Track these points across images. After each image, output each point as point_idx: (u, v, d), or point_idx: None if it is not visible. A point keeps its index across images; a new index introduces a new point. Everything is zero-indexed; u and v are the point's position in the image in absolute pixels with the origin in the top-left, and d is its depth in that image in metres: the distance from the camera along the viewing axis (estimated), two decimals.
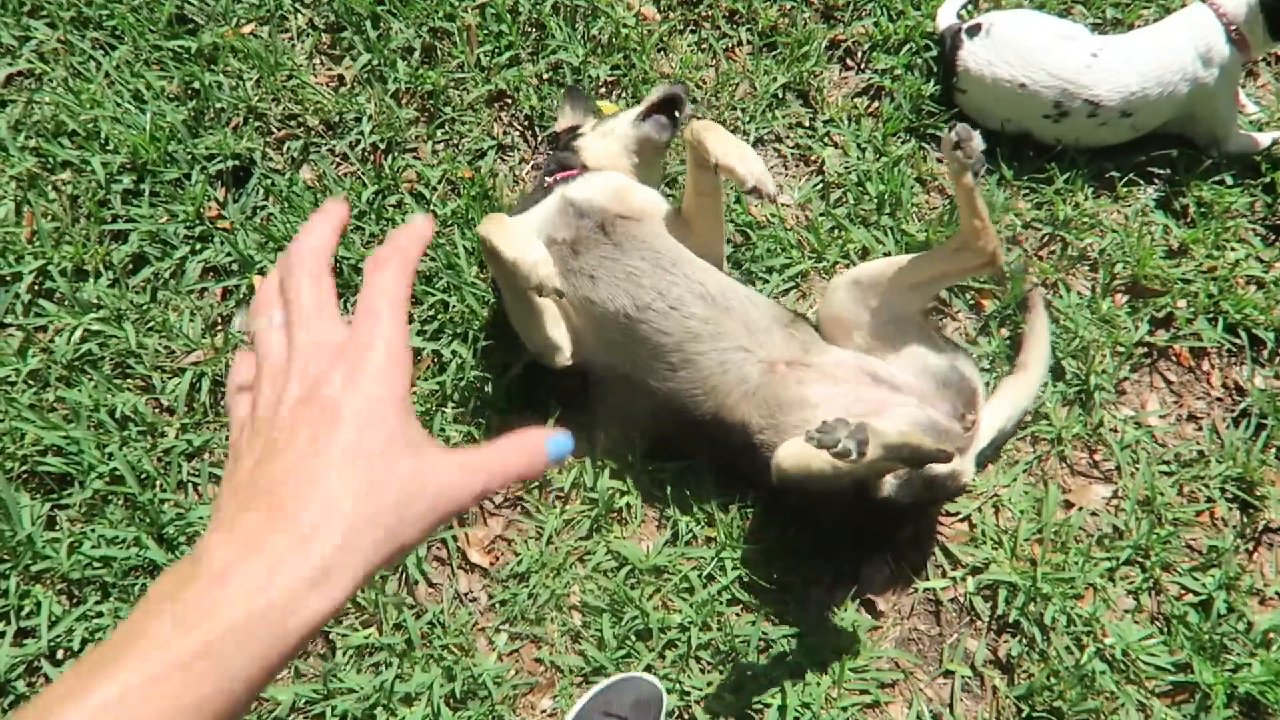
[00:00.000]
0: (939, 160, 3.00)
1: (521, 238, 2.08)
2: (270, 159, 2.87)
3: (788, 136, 3.03)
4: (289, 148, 2.89)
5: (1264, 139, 2.97)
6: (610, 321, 2.25)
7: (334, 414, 0.73)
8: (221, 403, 2.56)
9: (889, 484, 2.10)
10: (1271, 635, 2.32)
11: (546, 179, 2.51)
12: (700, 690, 2.26)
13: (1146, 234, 2.84)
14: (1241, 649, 2.31)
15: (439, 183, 2.84)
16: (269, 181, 2.80)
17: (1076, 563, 2.39)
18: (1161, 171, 2.95)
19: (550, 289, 2.05)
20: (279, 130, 2.92)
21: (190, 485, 2.43)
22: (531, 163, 2.98)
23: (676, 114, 2.52)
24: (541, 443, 0.80)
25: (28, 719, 0.60)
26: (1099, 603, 2.36)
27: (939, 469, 2.11)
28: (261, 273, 2.65)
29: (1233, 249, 2.83)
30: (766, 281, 2.76)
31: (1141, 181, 2.95)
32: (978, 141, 2.01)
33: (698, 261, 2.33)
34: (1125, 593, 2.41)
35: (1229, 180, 2.91)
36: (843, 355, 2.29)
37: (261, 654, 0.65)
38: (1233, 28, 2.74)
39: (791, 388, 2.19)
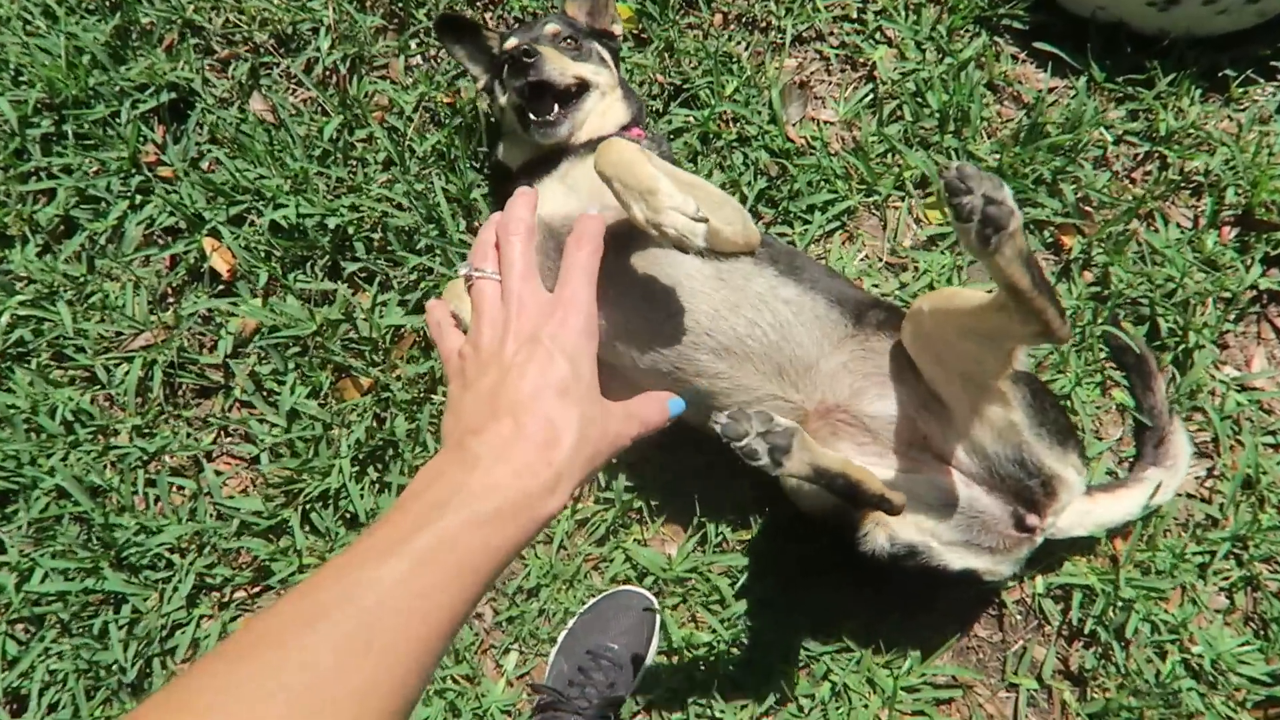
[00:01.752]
0: (1015, 58, 2.48)
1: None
2: (213, 86, 2.41)
3: (831, 33, 2.50)
4: (234, 71, 2.42)
5: None
6: (620, 367, 1.88)
7: (552, 354, 0.98)
8: (179, 395, 2.23)
9: (878, 537, 1.77)
10: None
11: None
12: (733, 716, 2.02)
13: (1264, 149, 2.35)
14: None
15: (415, 111, 2.38)
16: (213, 118, 2.35)
17: (1165, 560, 2.08)
18: None
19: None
20: (222, 49, 2.44)
21: (150, 496, 2.14)
22: None
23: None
24: (666, 399, 1.09)
25: (322, 581, 0.80)
26: (1187, 604, 2.06)
27: (950, 562, 1.81)
28: (214, 234, 2.26)
29: None
30: (808, 223, 2.33)
31: (1261, 80, 2.43)
32: (979, 182, 1.36)
33: (705, 289, 1.84)
34: (1217, 590, 2.11)
35: None
36: (895, 406, 1.86)
37: (512, 538, 0.87)
38: None
39: (821, 441, 1.82)
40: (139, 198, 2.31)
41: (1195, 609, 2.07)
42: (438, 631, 0.81)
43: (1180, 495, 2.16)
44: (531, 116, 1.95)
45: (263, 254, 2.25)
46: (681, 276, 1.83)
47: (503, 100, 2.04)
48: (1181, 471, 2.10)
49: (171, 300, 2.28)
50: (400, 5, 2.46)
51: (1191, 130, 2.37)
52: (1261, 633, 2.07)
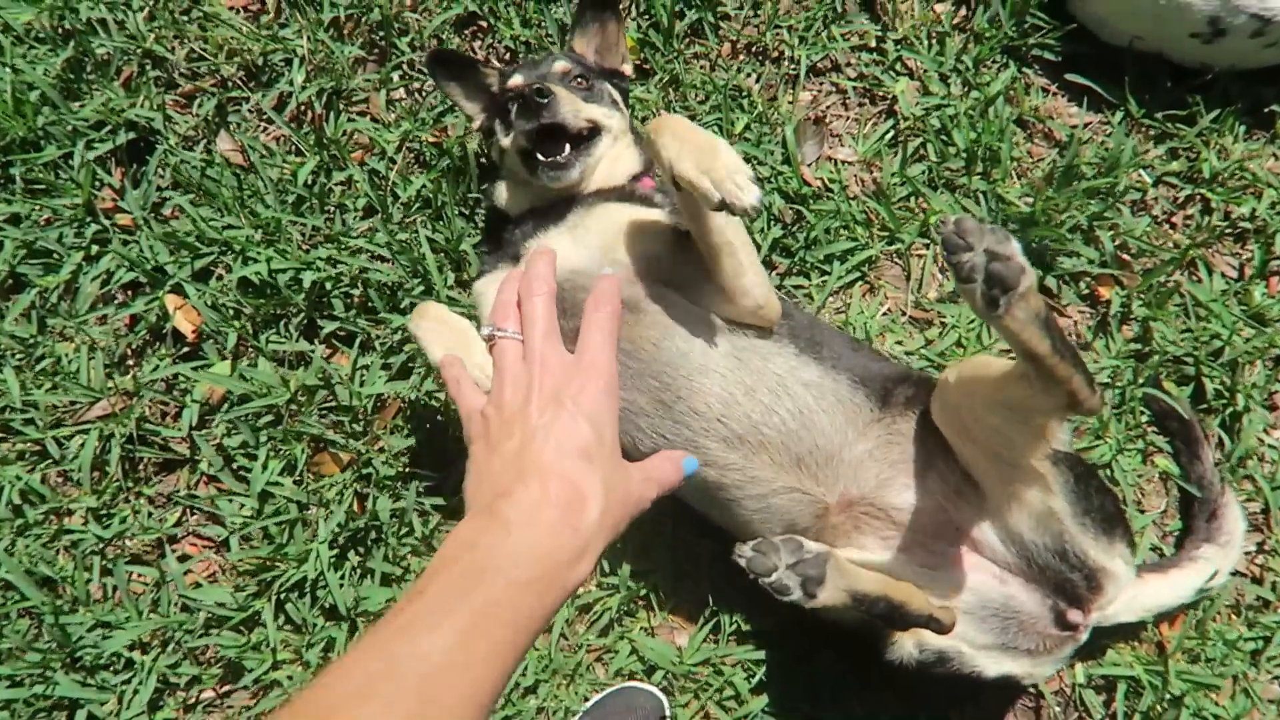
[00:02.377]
0: (1046, 90, 2.31)
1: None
2: (175, 124, 2.20)
3: (849, 64, 2.32)
4: (199, 108, 2.21)
5: None
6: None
7: (575, 417, 1.01)
8: (139, 470, 2.03)
9: (905, 646, 1.61)
10: None
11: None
12: None
13: None
14: None
15: (398, 151, 2.18)
16: (175, 160, 2.15)
17: (1216, 648, 1.92)
18: None
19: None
20: (184, 83, 2.23)
21: (107, 586, 1.94)
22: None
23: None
24: (680, 459, 1.12)
25: (368, 655, 0.81)
26: (1240, 696, 1.90)
27: (985, 668, 1.64)
28: (177, 291, 2.06)
29: None
30: (826, 273, 2.15)
31: None
32: (981, 236, 1.21)
33: (720, 368, 1.66)
34: (1271, 678, 1.95)
35: None
36: (924, 496, 1.67)
37: (547, 605, 0.90)
38: None
39: (842, 536, 1.65)
40: (94, 249, 2.11)
41: (1249, 702, 1.91)
42: (483, 702, 0.84)
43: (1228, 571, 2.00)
44: (540, 157, 1.76)
45: (231, 313, 2.05)
46: (695, 351, 1.66)
47: (505, 142, 1.85)
48: (1237, 549, 1.93)
49: (131, 364, 2.08)
50: (381, 34, 2.26)
51: (1237, 171, 2.21)
52: None
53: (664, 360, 1.65)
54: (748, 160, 2.06)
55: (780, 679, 1.91)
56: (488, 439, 1.03)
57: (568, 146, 1.78)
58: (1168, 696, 1.88)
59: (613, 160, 1.89)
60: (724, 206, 1.42)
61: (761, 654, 1.93)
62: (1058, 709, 1.96)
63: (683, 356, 1.65)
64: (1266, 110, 2.26)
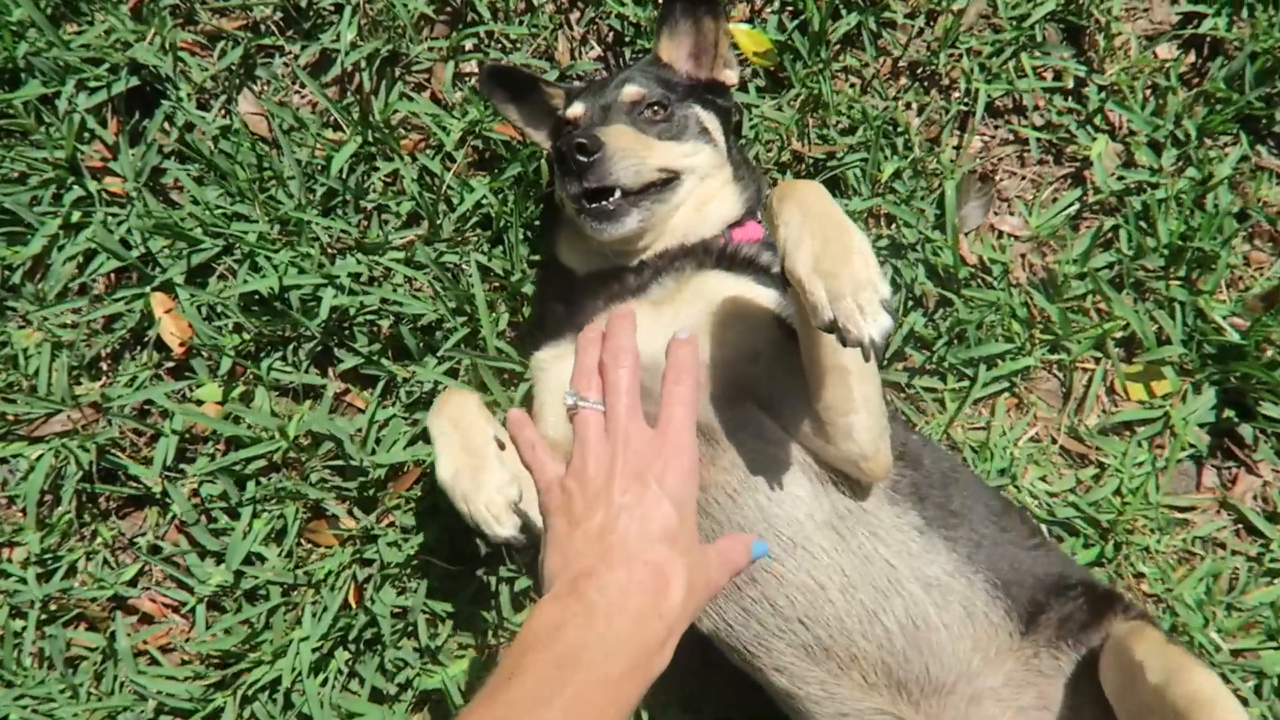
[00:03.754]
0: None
1: None
2: (189, 73, 1.76)
3: (1037, 108, 1.83)
4: (222, 55, 1.77)
5: None
6: None
7: (660, 498, 0.98)
8: (98, 503, 1.67)
9: None
10: None
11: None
12: None
13: None
14: None
15: (459, 147, 1.74)
16: (185, 117, 1.72)
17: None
18: None
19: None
20: (208, 19, 1.78)
21: (43, 653, 1.60)
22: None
23: None
24: (749, 543, 1.06)
25: None
26: None
27: None
28: (166, 289, 1.65)
29: None
30: (968, 379, 1.71)
31: None
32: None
33: (813, 544, 1.27)
34: None
35: None
36: None
37: (635, 694, 0.90)
38: None
39: None
40: (74, 217, 1.70)
41: None
42: None
43: None
44: (585, 203, 1.34)
45: (230, 327, 1.65)
46: (780, 515, 1.25)
47: (558, 185, 1.42)
48: None
49: (103, 371, 1.70)
50: None
51: None
52: None
53: (738, 521, 1.25)
54: (892, 221, 1.62)
55: None
56: (569, 514, 1.00)
57: (618, 191, 1.34)
58: None
59: (698, 206, 1.45)
60: (835, 329, 1.02)
61: None
62: None
63: (764, 517, 1.25)
64: None
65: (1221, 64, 1.80)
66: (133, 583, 1.65)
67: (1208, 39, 1.82)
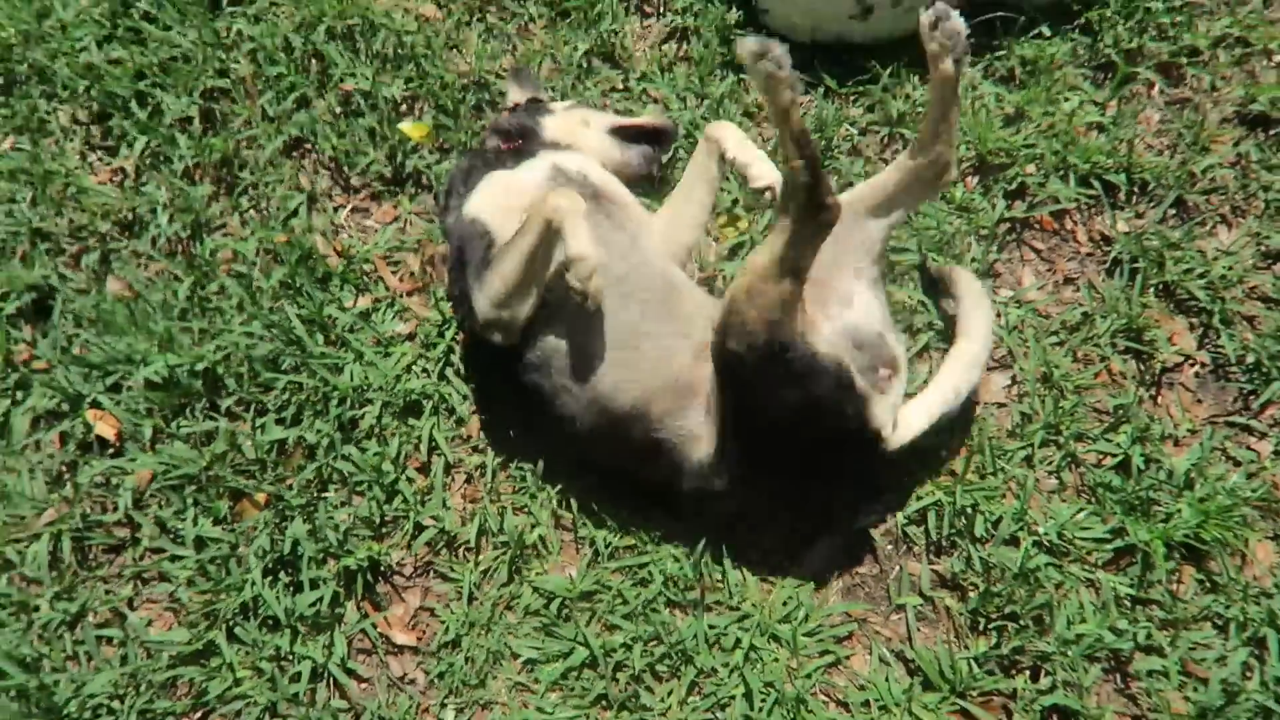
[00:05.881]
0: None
1: (588, 237, 1.98)
2: (70, 280, 2.64)
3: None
4: (86, 262, 2.67)
5: None
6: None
7: None
8: (90, 558, 2.38)
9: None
10: (1192, 475, 2.33)
11: (506, 143, 2.44)
12: (661, 702, 2.20)
13: (981, 108, 2.78)
14: (1168, 497, 2.32)
15: (256, 255, 2.65)
16: (75, 306, 2.59)
17: (992, 462, 2.37)
18: (981, 41, 2.87)
19: (596, 302, 2.02)
20: (72, 246, 2.69)
21: (82, 655, 2.26)
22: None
23: (658, 148, 2.57)
24: None
25: None
26: (1023, 494, 2.33)
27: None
28: (95, 406, 2.45)
29: (1066, 99, 2.79)
30: None
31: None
32: (958, 22, 1.93)
33: (663, 250, 2.34)
34: (1047, 474, 2.40)
35: (1046, 31, 2.85)
36: None
37: None
38: None
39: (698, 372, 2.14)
40: (19, 394, 2.50)
41: (1034, 492, 2.34)
42: None
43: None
44: None
45: (144, 411, 2.45)
46: (650, 236, 2.43)
47: None
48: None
49: (67, 475, 2.45)
50: (225, 170, 2.76)
51: (920, 109, 2.79)
52: (1092, 500, 2.36)
53: (633, 231, 2.34)
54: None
55: (654, 579, 2.30)
56: None
57: None
58: (964, 509, 2.31)
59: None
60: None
61: (634, 562, 2.32)
62: (890, 547, 2.37)
63: (643, 232, 2.39)
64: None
65: (698, 41, 2.92)
66: (131, 598, 2.34)
67: (686, 31, 2.96)
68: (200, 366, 2.45)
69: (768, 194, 2.23)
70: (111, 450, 2.46)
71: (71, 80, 2.83)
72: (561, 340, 2.15)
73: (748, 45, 1.79)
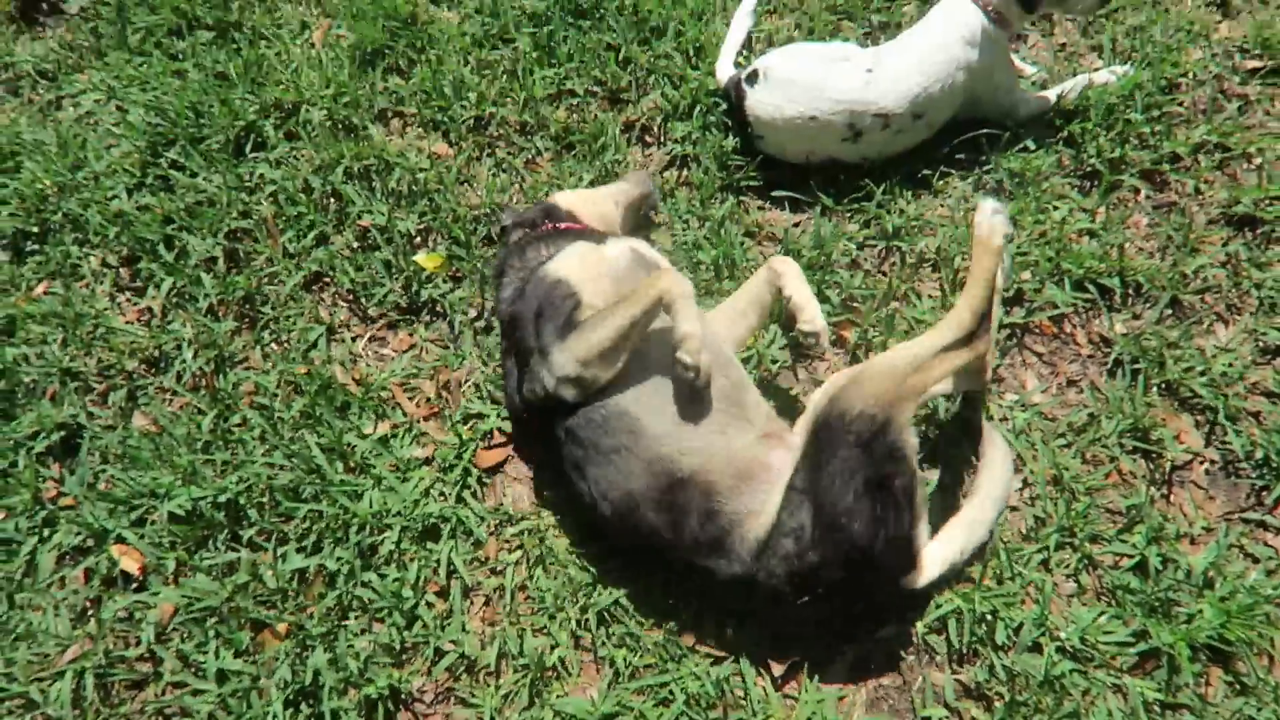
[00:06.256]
0: (761, 208, 3.02)
1: (697, 317, 2.19)
2: (97, 418, 2.72)
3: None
4: (114, 399, 2.75)
5: (1051, 95, 3.06)
6: (657, 363, 2.25)
7: None
8: (112, 695, 2.38)
9: None
10: (1211, 574, 2.32)
11: (549, 222, 2.62)
12: None
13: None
14: (1189, 597, 2.30)
15: (277, 387, 2.73)
16: (102, 442, 2.66)
17: (1009, 566, 2.37)
18: (968, 157, 3.01)
19: (706, 377, 2.19)
20: (100, 384, 2.79)
21: None
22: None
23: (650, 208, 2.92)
24: None
25: None
26: (1043, 598, 2.33)
27: None
28: (120, 540, 2.50)
29: (1055, 207, 2.90)
30: None
31: (953, 171, 3.01)
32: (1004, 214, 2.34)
33: (724, 335, 2.48)
34: (1065, 577, 2.40)
35: (1032, 145, 2.99)
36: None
37: None
38: (990, 8, 2.83)
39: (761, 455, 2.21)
40: (46, 530, 2.55)
41: (1054, 595, 2.33)
42: None
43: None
44: None
45: (168, 544, 2.49)
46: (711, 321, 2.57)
47: None
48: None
49: (91, 611, 2.48)
50: (249, 306, 2.87)
51: (914, 222, 2.90)
52: (1113, 602, 2.35)
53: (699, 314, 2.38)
54: None
55: (676, 697, 2.28)
56: None
57: None
58: (984, 616, 2.30)
59: None
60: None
61: (656, 680, 2.30)
62: (912, 658, 2.35)
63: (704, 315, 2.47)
64: (920, 175, 3.00)
65: (698, 168, 3.06)
66: None
67: (686, 158, 3.11)
68: (223, 498, 2.50)
69: (811, 339, 2.34)
70: (135, 585, 2.49)
71: (103, 227, 2.98)
72: (632, 401, 2.24)
73: (989, 209, 2.35)
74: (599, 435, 2.24)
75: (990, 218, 2.34)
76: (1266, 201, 2.84)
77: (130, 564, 2.47)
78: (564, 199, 2.73)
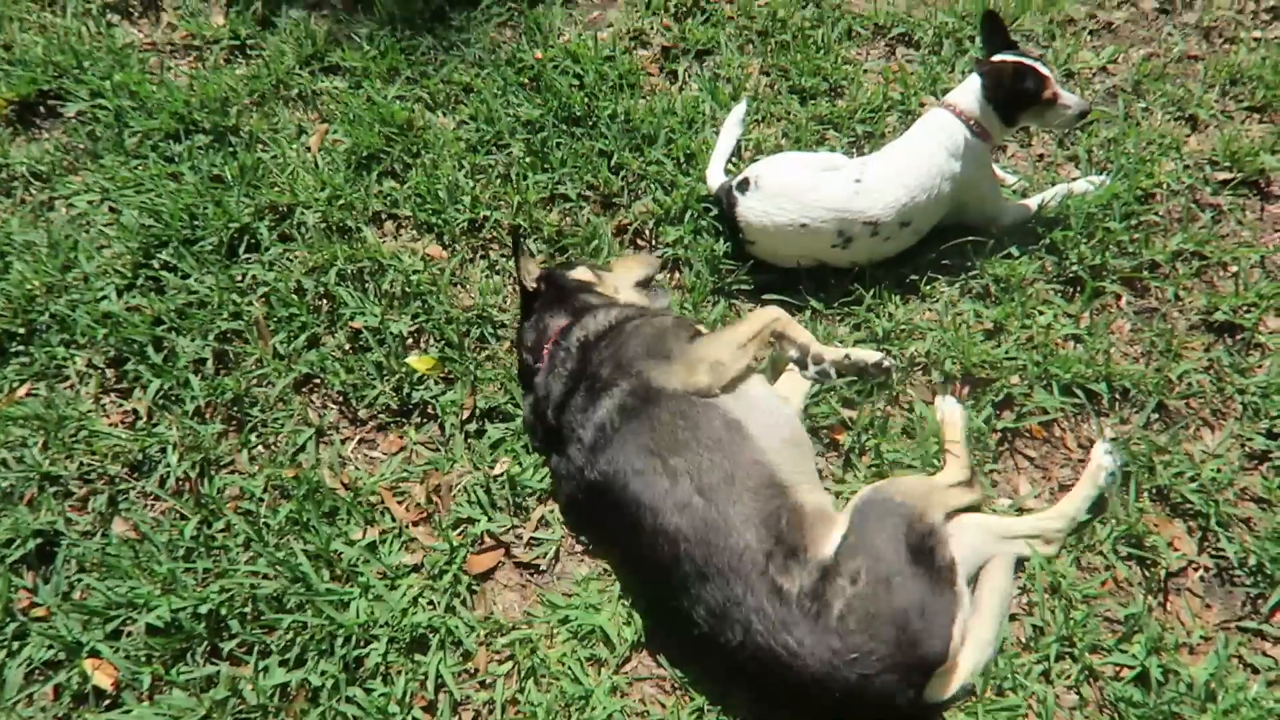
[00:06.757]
0: (751, 311, 3.05)
1: (807, 332, 2.75)
2: (75, 523, 2.65)
3: None
4: (94, 504, 2.69)
5: (1032, 203, 3.14)
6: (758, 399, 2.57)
7: None
8: None
9: None
10: (1212, 685, 2.29)
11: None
12: None
13: (961, 324, 2.93)
14: (1192, 710, 2.26)
15: (264, 492, 2.68)
16: (79, 550, 2.58)
17: (1011, 678, 2.32)
18: (954, 262, 3.07)
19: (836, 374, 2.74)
20: (80, 489, 2.72)
21: None
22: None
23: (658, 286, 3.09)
24: None
25: None
26: (1045, 712, 2.28)
27: None
28: (93, 654, 2.40)
29: (1040, 313, 2.95)
30: None
31: (939, 276, 3.07)
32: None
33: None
34: (1066, 689, 2.35)
35: (1015, 252, 3.05)
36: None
37: None
38: (972, 122, 2.93)
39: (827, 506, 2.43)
40: (15, 644, 2.45)
41: (1055, 713, 2.29)
42: None
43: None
44: None
45: (144, 658, 2.39)
46: None
47: None
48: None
49: None
50: (236, 408, 2.84)
51: (903, 326, 2.93)
52: (1115, 716, 2.30)
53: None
54: None
55: None
56: None
57: None
58: None
59: None
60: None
61: None
62: None
63: None
64: (908, 280, 3.05)
65: (690, 271, 3.09)
66: None
67: (678, 261, 3.15)
68: (204, 608, 2.42)
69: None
70: (108, 702, 2.38)
71: (90, 328, 2.96)
72: (757, 403, 2.52)
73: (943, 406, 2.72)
74: (739, 413, 2.45)
75: (946, 405, 2.72)
76: (1244, 309, 2.90)
77: (103, 679, 2.37)
78: (619, 292, 2.94)
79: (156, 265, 3.11)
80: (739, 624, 2.14)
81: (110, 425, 2.83)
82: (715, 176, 3.23)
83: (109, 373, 2.95)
